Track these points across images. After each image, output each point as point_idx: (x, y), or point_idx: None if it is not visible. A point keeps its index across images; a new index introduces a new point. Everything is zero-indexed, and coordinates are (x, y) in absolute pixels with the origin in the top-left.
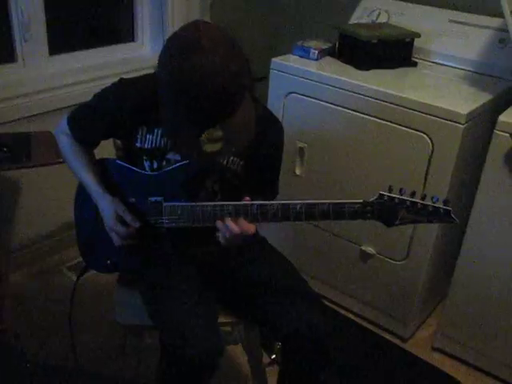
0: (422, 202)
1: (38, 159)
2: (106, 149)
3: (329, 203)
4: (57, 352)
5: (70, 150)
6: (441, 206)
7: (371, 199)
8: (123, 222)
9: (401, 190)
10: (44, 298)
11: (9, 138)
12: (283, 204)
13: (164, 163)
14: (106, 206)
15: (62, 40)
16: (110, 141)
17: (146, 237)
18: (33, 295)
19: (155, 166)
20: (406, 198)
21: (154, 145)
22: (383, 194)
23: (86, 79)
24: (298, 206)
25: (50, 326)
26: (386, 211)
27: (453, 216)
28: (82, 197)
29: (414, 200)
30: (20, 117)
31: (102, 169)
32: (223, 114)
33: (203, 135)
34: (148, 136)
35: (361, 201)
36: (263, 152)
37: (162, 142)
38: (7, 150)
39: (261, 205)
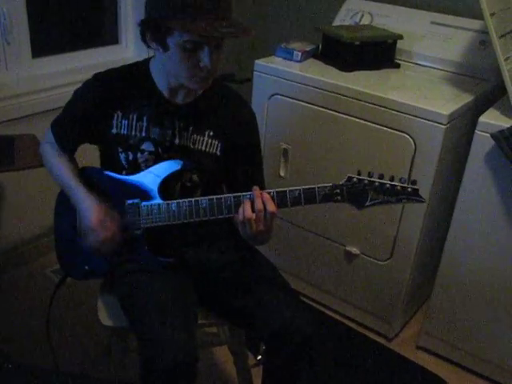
0: (390, 182)
1: (22, 162)
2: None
3: (299, 189)
4: (40, 355)
5: (53, 156)
6: (409, 185)
7: (340, 182)
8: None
9: (369, 172)
10: (28, 301)
11: None
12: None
13: (139, 155)
14: (90, 205)
15: (45, 43)
16: (94, 150)
17: (123, 242)
18: (17, 299)
19: (131, 157)
20: (374, 179)
21: (129, 130)
22: (352, 177)
23: (70, 82)
24: (270, 194)
25: (33, 330)
26: (356, 193)
27: (420, 195)
28: (62, 204)
29: (382, 181)
30: (3, 120)
31: (83, 177)
32: (229, 4)
33: (215, 23)
34: (123, 121)
35: (330, 184)
36: (239, 131)
37: (138, 127)
38: None
39: (235, 196)
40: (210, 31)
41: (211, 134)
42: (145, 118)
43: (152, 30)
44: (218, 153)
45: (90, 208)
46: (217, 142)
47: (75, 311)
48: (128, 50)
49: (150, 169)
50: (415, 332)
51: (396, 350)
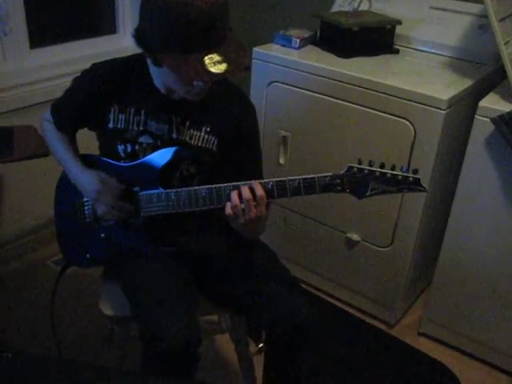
0: (391, 171)
1: (21, 153)
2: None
3: (299, 179)
4: (43, 345)
5: (52, 133)
6: (410, 174)
7: (341, 172)
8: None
9: (370, 161)
10: (30, 292)
11: None
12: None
13: (137, 147)
14: (88, 176)
15: (42, 33)
16: (92, 137)
17: (122, 228)
18: (19, 290)
19: (129, 149)
20: (375, 168)
21: (126, 124)
22: (352, 166)
23: (68, 72)
24: (270, 184)
25: (36, 321)
26: (356, 183)
27: (422, 184)
28: (62, 193)
29: (383, 170)
30: (2, 111)
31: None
32: (222, 28)
33: (206, 59)
34: (120, 116)
35: (330, 174)
36: (236, 127)
37: (135, 121)
38: None
39: (235, 186)
40: (199, 75)
41: (208, 129)
42: (142, 112)
43: (142, 47)
44: (214, 148)
45: (88, 176)
46: (213, 138)
47: (77, 300)
48: (126, 39)
49: (148, 157)
50: (417, 318)
51: (398, 337)
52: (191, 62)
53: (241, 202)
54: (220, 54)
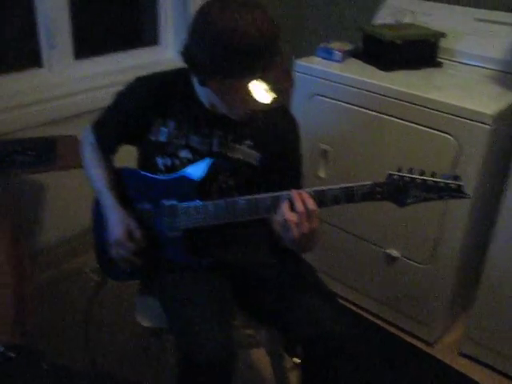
0: (433, 178)
1: (63, 163)
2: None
3: (339, 187)
4: (78, 355)
5: (91, 158)
6: (452, 181)
7: (381, 180)
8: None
9: (410, 169)
10: (67, 300)
11: (35, 141)
12: None
13: (177, 162)
14: (117, 218)
15: (87, 44)
16: (132, 149)
17: (157, 245)
18: (56, 297)
19: (169, 163)
20: (415, 176)
21: (168, 138)
22: (393, 174)
23: (111, 83)
24: (309, 193)
25: (71, 330)
26: (397, 190)
27: (464, 191)
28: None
29: (424, 178)
30: (46, 121)
31: (118, 178)
32: (272, 56)
33: (251, 87)
34: (162, 129)
35: (370, 182)
36: (279, 143)
37: (177, 135)
38: (33, 154)
39: (273, 196)
40: (245, 103)
41: (250, 144)
42: (185, 126)
43: (189, 65)
44: (256, 163)
45: (117, 217)
46: (255, 153)
47: (114, 310)
48: (168, 51)
49: (186, 169)
50: (458, 338)
51: (437, 356)
52: (237, 88)
53: (292, 214)
54: (267, 82)
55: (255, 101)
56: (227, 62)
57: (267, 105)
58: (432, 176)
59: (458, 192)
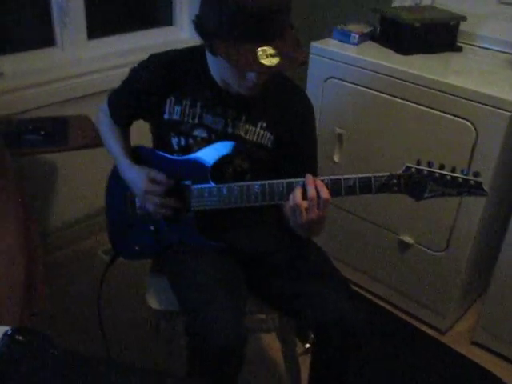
0: (451, 174)
1: (75, 143)
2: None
3: (355, 178)
4: (88, 337)
5: (106, 125)
6: (472, 177)
7: (398, 172)
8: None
9: (429, 162)
10: (78, 281)
11: (46, 121)
12: None
13: (191, 141)
14: (136, 173)
15: (100, 24)
16: (146, 129)
17: (172, 221)
18: (67, 278)
19: (183, 142)
20: (434, 170)
21: (182, 116)
22: (410, 167)
23: (124, 63)
24: (324, 182)
25: (82, 309)
26: (414, 184)
27: (484, 188)
28: (113, 185)
29: (443, 172)
30: (58, 100)
31: (134, 155)
32: (280, 22)
33: (259, 51)
34: (176, 107)
35: (387, 173)
36: (293, 125)
37: (191, 114)
38: (45, 134)
39: (288, 182)
40: (250, 65)
41: (264, 125)
42: (198, 105)
43: (199, 33)
44: (270, 145)
45: (137, 173)
46: (269, 135)
47: (125, 292)
48: (183, 31)
49: (202, 150)
50: (470, 326)
51: (449, 345)
52: (243, 51)
53: (303, 201)
54: (274, 48)
55: (262, 65)
56: (234, 23)
57: (274, 69)
58: (452, 171)
59: (476, 189)
